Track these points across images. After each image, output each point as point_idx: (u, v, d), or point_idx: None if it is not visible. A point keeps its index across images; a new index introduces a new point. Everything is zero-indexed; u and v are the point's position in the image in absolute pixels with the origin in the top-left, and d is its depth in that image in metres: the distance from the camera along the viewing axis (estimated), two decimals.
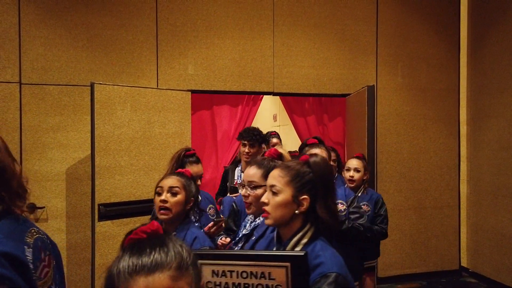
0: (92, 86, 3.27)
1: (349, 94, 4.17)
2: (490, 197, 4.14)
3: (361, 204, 2.70)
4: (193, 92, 3.85)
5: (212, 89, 3.93)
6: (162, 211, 1.81)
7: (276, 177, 1.33)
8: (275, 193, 1.31)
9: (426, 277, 4.35)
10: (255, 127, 3.23)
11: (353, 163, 2.82)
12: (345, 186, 3.03)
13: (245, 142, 3.11)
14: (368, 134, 3.56)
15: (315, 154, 1.42)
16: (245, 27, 4.00)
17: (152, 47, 3.78)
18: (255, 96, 4.42)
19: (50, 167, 3.51)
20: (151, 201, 3.49)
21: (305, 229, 1.28)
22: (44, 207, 3.46)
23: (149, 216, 3.55)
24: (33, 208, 3.41)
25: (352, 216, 2.39)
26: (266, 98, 4.48)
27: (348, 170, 2.80)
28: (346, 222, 2.38)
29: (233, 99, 4.37)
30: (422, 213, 4.40)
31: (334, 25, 4.20)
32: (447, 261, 4.46)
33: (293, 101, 4.61)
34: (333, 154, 3.67)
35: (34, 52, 3.49)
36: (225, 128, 4.36)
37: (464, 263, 4.51)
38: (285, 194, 1.29)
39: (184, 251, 0.76)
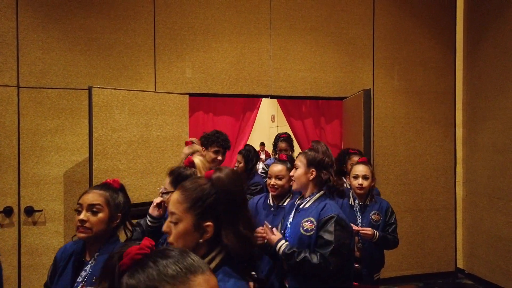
0: (90, 89, 3.28)
1: (346, 97, 4.20)
2: (486, 199, 4.17)
3: (371, 213, 2.60)
4: (190, 95, 3.86)
5: (210, 93, 3.95)
6: (80, 229, 1.60)
7: (175, 203, 1.16)
8: (175, 223, 1.15)
9: (423, 279, 4.38)
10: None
11: (361, 169, 2.62)
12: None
13: (219, 148, 2.99)
14: (365, 137, 3.58)
15: (220, 169, 1.24)
16: (243, 30, 4.02)
17: (150, 51, 3.80)
18: (255, 99, 4.43)
19: (48, 170, 3.51)
20: (149, 204, 3.51)
21: (209, 257, 1.12)
22: (42, 210, 3.47)
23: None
24: (31, 211, 3.42)
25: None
26: (264, 99, 4.50)
27: (356, 177, 2.62)
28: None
29: (232, 102, 4.38)
30: (419, 215, 4.43)
31: (331, 28, 4.23)
32: (443, 263, 4.49)
33: (290, 104, 4.63)
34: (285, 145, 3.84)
35: (32, 56, 3.50)
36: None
37: (460, 264, 4.54)
38: (185, 223, 1.13)
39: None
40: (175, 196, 1.17)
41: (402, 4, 4.40)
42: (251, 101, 4.48)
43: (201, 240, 1.13)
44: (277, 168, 2.51)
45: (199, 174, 2.01)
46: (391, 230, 2.64)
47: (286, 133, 4.26)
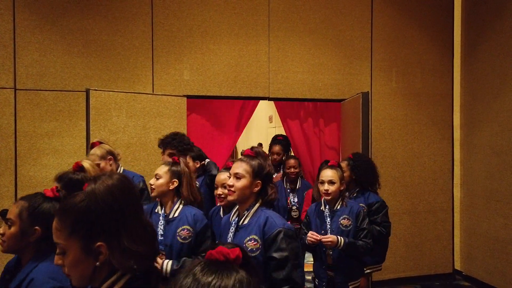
0: (87, 92, 3.27)
1: (344, 99, 4.20)
2: (483, 201, 4.18)
3: (341, 218, 2.48)
4: (188, 97, 3.86)
5: (208, 95, 3.94)
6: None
7: (56, 231, 1.02)
8: (63, 253, 1.01)
9: (420, 281, 4.39)
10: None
11: (327, 174, 2.51)
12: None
13: (173, 151, 2.84)
14: (363, 139, 3.59)
15: (96, 179, 1.09)
16: (241, 32, 4.01)
17: (148, 53, 3.79)
18: (252, 101, 4.42)
19: (45, 173, 3.50)
20: None
21: (110, 281, 1.00)
22: None
23: None
24: None
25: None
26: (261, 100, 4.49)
27: (322, 183, 2.50)
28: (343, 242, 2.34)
29: (229, 104, 4.36)
30: (416, 217, 4.44)
31: (329, 30, 4.22)
32: (441, 265, 4.50)
33: (286, 107, 4.59)
34: (294, 161, 3.70)
35: (29, 58, 3.48)
36: (220, 133, 4.35)
37: (457, 266, 4.56)
38: (73, 250, 1.00)
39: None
40: (54, 224, 1.02)
41: (400, 7, 4.40)
42: (248, 103, 4.46)
43: (98, 264, 0.99)
44: (224, 176, 2.31)
45: None
46: (362, 235, 2.48)
47: (282, 136, 4.20)
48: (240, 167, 1.78)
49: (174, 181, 2.18)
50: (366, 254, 2.53)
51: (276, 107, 4.67)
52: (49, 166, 3.50)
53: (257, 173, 1.78)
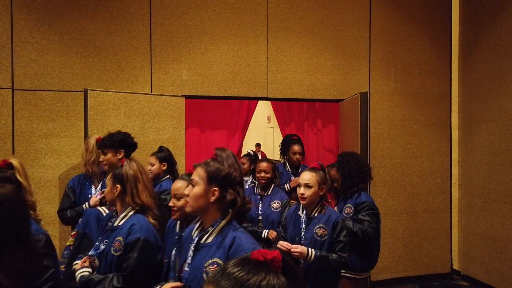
0: (85, 92, 3.26)
1: (342, 100, 4.20)
2: (481, 201, 4.19)
3: (316, 227, 2.27)
4: (187, 97, 3.85)
5: (206, 95, 3.93)
6: None
7: None
8: None
9: (419, 280, 4.40)
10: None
11: (304, 177, 2.30)
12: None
13: (108, 150, 2.73)
14: (362, 139, 3.59)
15: None
16: (239, 32, 4.01)
17: (146, 53, 3.78)
18: (251, 102, 4.43)
19: (43, 173, 3.48)
20: None
21: None
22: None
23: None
24: None
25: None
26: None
27: (299, 186, 2.31)
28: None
29: (228, 104, 4.37)
30: (415, 217, 4.44)
31: (328, 30, 4.23)
32: (439, 264, 4.50)
33: (283, 107, 4.57)
34: (266, 165, 3.15)
35: (26, 58, 3.47)
36: (220, 133, 4.35)
37: (455, 266, 4.57)
38: None
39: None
40: None
41: (398, 7, 4.41)
42: (247, 104, 4.46)
43: None
44: (179, 184, 2.04)
45: (18, 177, 1.85)
46: (338, 248, 2.24)
47: (296, 135, 4.16)
48: (195, 173, 1.55)
49: (117, 186, 1.97)
50: (337, 269, 2.33)
51: (273, 108, 4.67)
52: (47, 166, 3.49)
53: (212, 178, 1.50)
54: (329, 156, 4.56)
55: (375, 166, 4.28)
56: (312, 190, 2.27)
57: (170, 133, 3.68)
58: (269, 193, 3.15)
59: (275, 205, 3.07)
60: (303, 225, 2.32)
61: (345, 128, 4.11)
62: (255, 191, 3.19)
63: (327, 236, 2.26)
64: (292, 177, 3.79)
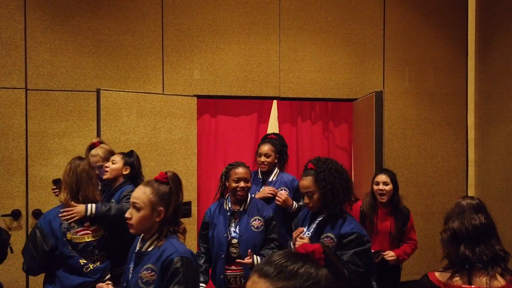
0: (98, 92, 3.26)
1: (356, 99, 4.14)
2: (499, 202, 4.09)
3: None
4: (198, 97, 3.83)
5: (218, 94, 3.91)
6: None
7: None
8: None
9: None
10: None
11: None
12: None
13: None
14: (376, 140, 3.53)
15: None
16: (251, 31, 3.97)
17: (158, 52, 3.76)
18: (266, 101, 4.28)
19: (55, 173, 3.49)
20: None
21: None
22: None
23: None
24: (39, 214, 3.40)
25: None
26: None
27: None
28: None
29: (242, 104, 4.23)
30: (430, 219, 4.36)
31: (341, 29, 4.17)
32: None
33: (288, 107, 4.38)
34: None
35: (40, 58, 3.48)
36: (233, 134, 4.24)
37: None
38: None
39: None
40: None
41: (412, 4, 4.33)
42: (262, 104, 4.31)
43: None
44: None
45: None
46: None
47: (276, 134, 3.53)
48: (139, 193, 1.77)
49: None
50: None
51: (278, 110, 4.41)
52: (60, 166, 3.48)
53: (160, 201, 1.75)
54: (343, 156, 4.45)
55: (389, 167, 4.19)
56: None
57: (182, 133, 3.66)
58: (244, 208, 2.59)
59: (256, 223, 2.58)
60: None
61: (359, 128, 4.05)
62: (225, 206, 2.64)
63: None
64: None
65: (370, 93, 3.69)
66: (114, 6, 3.66)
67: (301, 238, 2.10)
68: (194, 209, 3.72)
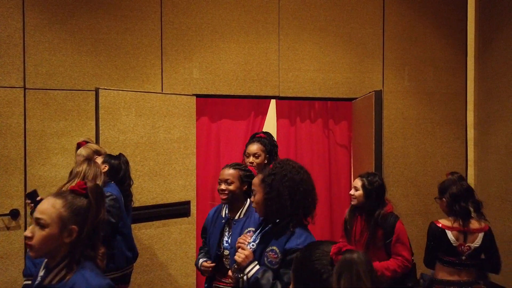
0: (97, 91, 3.25)
1: (355, 98, 4.13)
2: (498, 202, 4.09)
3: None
4: (198, 96, 3.82)
5: (217, 94, 3.90)
6: None
7: None
8: None
9: None
10: None
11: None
12: None
13: None
14: (376, 139, 3.52)
15: None
16: (251, 30, 3.97)
17: (157, 51, 3.76)
18: (263, 100, 4.28)
19: (54, 172, 3.48)
20: (156, 206, 3.50)
21: None
22: None
23: (153, 222, 3.53)
24: None
25: None
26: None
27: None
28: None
29: (242, 103, 4.22)
30: (429, 218, 4.31)
31: (340, 28, 4.16)
32: None
33: (285, 106, 4.37)
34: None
35: (38, 57, 3.47)
36: (232, 134, 4.23)
37: None
38: None
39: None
40: None
41: (412, 4, 4.32)
42: (259, 103, 4.32)
43: None
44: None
45: None
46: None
47: (266, 133, 3.24)
48: (48, 212, 1.44)
49: None
50: None
51: (277, 109, 4.40)
52: (59, 166, 3.49)
53: (67, 221, 1.36)
54: (343, 154, 4.45)
55: (388, 166, 4.20)
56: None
57: (181, 132, 3.66)
58: (240, 215, 2.35)
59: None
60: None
61: (358, 127, 4.04)
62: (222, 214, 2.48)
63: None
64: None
65: (370, 93, 3.68)
66: (113, 5, 3.65)
67: (243, 249, 1.82)
68: (193, 208, 3.72)
